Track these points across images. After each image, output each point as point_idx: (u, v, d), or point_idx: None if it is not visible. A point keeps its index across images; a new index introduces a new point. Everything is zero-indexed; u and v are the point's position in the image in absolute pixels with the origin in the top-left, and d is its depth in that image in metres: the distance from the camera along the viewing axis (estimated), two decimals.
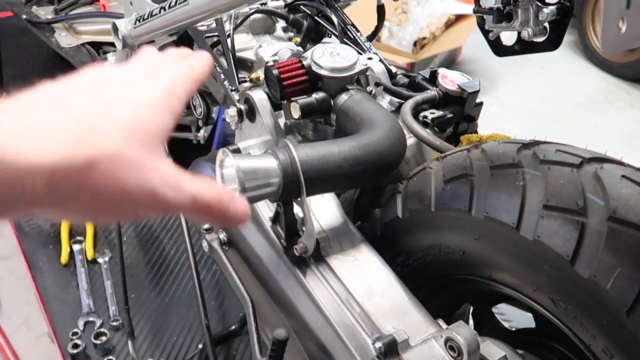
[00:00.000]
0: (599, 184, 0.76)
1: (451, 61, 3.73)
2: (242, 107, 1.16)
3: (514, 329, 1.13)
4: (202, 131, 1.84)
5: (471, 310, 1.13)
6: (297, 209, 0.95)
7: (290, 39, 1.43)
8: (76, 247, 1.85)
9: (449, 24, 3.62)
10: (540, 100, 3.54)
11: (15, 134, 0.37)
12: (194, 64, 0.56)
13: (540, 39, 1.10)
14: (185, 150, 1.68)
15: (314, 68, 1.09)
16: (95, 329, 1.60)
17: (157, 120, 0.47)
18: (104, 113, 0.43)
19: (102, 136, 0.41)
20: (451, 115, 1.19)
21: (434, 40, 3.53)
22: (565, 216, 0.76)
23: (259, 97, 1.15)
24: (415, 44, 3.43)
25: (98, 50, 1.78)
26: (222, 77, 1.22)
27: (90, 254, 1.84)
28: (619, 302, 0.70)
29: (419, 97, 1.19)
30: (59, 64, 1.87)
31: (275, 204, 0.96)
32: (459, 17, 3.60)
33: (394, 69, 1.32)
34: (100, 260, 1.82)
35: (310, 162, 0.89)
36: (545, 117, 3.35)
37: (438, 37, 3.55)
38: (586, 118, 3.39)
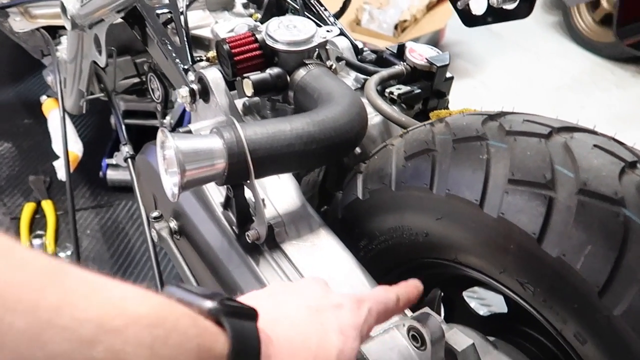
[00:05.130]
0: (569, 154, 0.70)
1: (434, 44, 3.64)
2: (195, 86, 1.08)
3: (487, 315, 1.07)
4: (168, 117, 1.76)
5: (441, 296, 1.06)
6: (250, 193, 0.88)
7: (250, 16, 1.35)
8: (36, 241, 1.78)
9: (431, 6, 3.54)
10: (525, 83, 3.47)
11: None
12: (397, 295, 0.69)
13: (511, 6, 1.03)
14: (153, 138, 1.60)
15: (269, 42, 1.02)
16: None
17: (354, 348, 0.58)
18: (321, 344, 0.55)
19: None
20: (419, 90, 1.12)
21: (416, 22, 3.45)
22: (532, 190, 0.69)
23: (213, 75, 1.07)
24: (396, 27, 3.35)
25: (54, 34, 1.70)
26: (174, 55, 1.15)
27: (51, 249, 1.76)
28: (590, 283, 0.63)
29: (385, 72, 1.12)
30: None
31: (226, 188, 0.89)
32: None
33: (360, 44, 1.25)
34: (61, 254, 1.75)
35: (259, 141, 0.82)
36: (531, 99, 3.28)
37: (419, 20, 3.47)
38: (572, 99, 3.33)
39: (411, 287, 0.72)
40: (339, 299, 0.61)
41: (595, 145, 0.71)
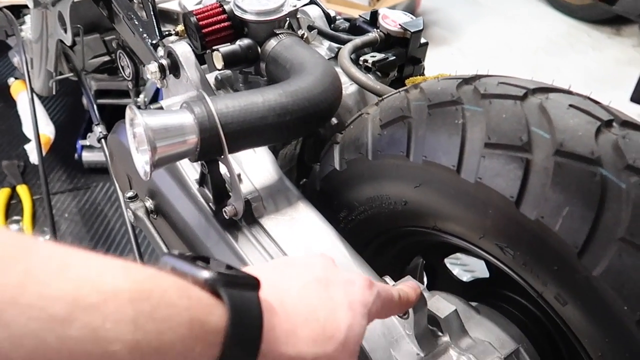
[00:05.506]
0: (545, 115, 0.69)
1: (410, 12, 3.61)
2: (164, 61, 1.06)
3: (470, 280, 1.07)
4: (141, 96, 1.72)
5: (423, 264, 1.06)
6: (226, 168, 0.87)
7: None
8: (13, 227, 1.75)
9: None
10: (502, 48, 3.46)
11: (278, 336, 0.49)
12: (406, 291, 0.67)
13: None
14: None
15: (238, 13, 0.99)
16: None
17: (363, 325, 0.55)
18: (330, 317, 0.53)
19: (327, 339, 0.52)
20: (394, 57, 1.10)
21: None
22: (509, 153, 0.68)
23: (182, 49, 1.05)
24: None
25: (18, 13, 1.64)
26: (141, 30, 1.11)
27: (28, 234, 1.74)
28: (569, 244, 0.63)
29: (358, 40, 1.11)
30: None
31: (200, 164, 0.87)
32: None
33: (332, 13, 1.22)
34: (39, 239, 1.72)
35: (231, 115, 0.80)
36: (508, 64, 3.28)
37: None
38: (549, 62, 3.33)
39: (411, 287, 0.69)
40: (349, 275, 0.59)
41: (570, 105, 0.70)
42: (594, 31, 3.59)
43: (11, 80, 1.85)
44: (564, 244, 0.63)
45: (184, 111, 0.78)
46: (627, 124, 0.68)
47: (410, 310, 0.74)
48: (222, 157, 0.81)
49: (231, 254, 0.85)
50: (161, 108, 1.01)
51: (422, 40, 1.14)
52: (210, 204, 0.89)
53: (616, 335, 0.63)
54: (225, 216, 0.86)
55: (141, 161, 0.80)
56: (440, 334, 0.77)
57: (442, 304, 0.77)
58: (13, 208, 1.83)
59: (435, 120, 0.76)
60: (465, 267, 1.60)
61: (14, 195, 1.88)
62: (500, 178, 0.68)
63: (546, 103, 0.70)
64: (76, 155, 1.95)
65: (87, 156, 1.95)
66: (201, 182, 0.90)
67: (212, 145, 0.78)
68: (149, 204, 1.00)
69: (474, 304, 0.90)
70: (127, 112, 0.79)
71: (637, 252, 0.60)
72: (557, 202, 0.64)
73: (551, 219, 0.64)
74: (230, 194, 0.87)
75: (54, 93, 1.66)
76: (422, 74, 1.18)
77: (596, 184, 0.63)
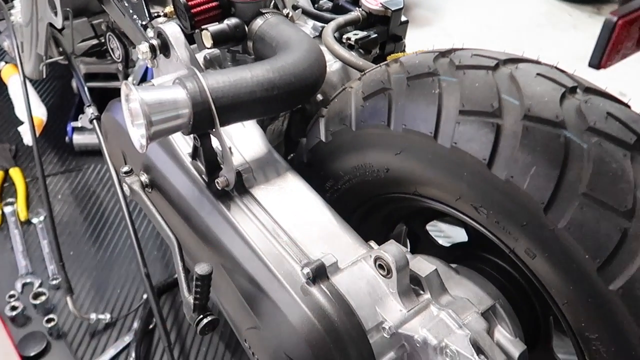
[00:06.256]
0: (514, 83, 0.74)
1: None
2: (155, 42, 1.09)
3: (450, 245, 1.13)
4: (130, 78, 1.75)
5: (406, 231, 1.11)
6: (217, 142, 0.91)
7: None
8: (7, 209, 1.77)
9: None
10: (485, 28, 3.50)
11: None
12: None
13: None
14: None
15: None
16: (34, 289, 1.55)
17: None
18: None
19: None
20: (376, 35, 1.15)
21: None
22: (481, 119, 0.73)
23: (172, 30, 1.08)
24: None
25: None
26: (131, 11, 1.15)
27: (23, 215, 1.76)
28: (536, 201, 0.69)
29: (341, 18, 1.15)
30: None
31: (193, 138, 0.91)
32: None
33: None
34: (34, 220, 1.75)
35: (222, 89, 0.85)
36: (491, 44, 3.28)
37: None
38: (531, 42, 3.38)
39: None
40: None
41: (538, 74, 0.75)
42: (575, 10, 3.64)
43: (2, 64, 1.87)
44: (532, 201, 0.69)
45: (177, 86, 0.83)
46: (590, 90, 0.74)
47: (394, 270, 0.79)
48: (214, 130, 0.86)
49: (224, 222, 0.90)
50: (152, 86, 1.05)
51: (403, 19, 1.19)
52: (203, 176, 0.94)
53: (579, 282, 0.69)
54: (218, 187, 0.91)
55: (137, 135, 0.84)
56: (422, 292, 0.82)
57: (423, 265, 0.83)
58: (6, 191, 1.86)
59: (414, 91, 0.81)
60: (449, 240, 1.66)
61: (6, 178, 1.91)
62: (473, 142, 0.73)
63: (516, 72, 0.76)
64: (67, 138, 1.98)
65: (77, 139, 1.97)
66: (194, 155, 0.95)
67: (204, 118, 0.83)
68: (144, 178, 1.04)
69: (454, 265, 0.96)
70: (123, 88, 0.83)
71: (597, 205, 0.66)
72: (525, 163, 0.69)
73: (520, 178, 0.70)
74: (221, 166, 0.92)
75: (44, 76, 1.69)
76: (404, 51, 1.23)
77: (560, 145, 0.68)
